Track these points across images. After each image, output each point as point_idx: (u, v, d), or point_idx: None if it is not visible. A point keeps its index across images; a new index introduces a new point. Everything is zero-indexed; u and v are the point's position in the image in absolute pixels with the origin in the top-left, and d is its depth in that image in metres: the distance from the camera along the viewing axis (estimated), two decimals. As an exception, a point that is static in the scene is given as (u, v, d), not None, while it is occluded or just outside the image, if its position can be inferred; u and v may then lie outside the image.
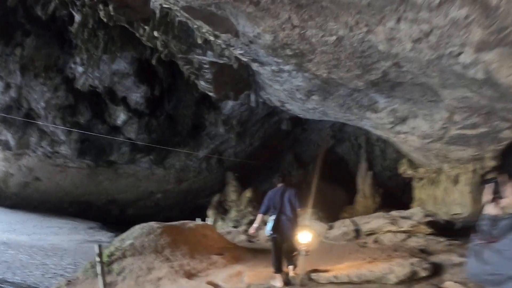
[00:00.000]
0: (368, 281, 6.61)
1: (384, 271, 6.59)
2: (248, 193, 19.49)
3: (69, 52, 17.49)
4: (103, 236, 19.72)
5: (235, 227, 16.53)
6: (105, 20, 10.27)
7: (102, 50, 15.84)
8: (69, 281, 8.19)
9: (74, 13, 14.32)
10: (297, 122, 19.57)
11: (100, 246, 7.10)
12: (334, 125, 21.12)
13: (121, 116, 18.63)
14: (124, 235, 9.95)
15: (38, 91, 18.35)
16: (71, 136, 19.24)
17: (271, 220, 7.51)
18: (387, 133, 11.98)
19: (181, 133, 19.36)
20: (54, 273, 12.45)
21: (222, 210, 19.77)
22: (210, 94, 13.80)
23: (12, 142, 19.69)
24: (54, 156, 20.19)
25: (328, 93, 10.18)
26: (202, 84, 13.23)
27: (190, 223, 10.90)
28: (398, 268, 6.57)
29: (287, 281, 7.33)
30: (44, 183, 21.90)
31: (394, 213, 11.46)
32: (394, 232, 10.04)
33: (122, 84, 17.63)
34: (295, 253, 7.53)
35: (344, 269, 7.15)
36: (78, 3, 13.30)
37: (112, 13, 9.68)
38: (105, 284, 6.82)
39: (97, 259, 6.98)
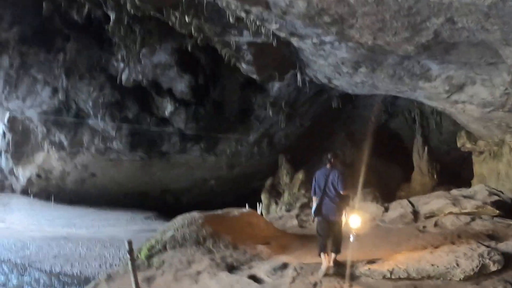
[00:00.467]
0: (430, 277, 5.59)
1: (449, 265, 5.55)
2: (300, 175, 18.63)
3: (110, 50, 17.49)
4: (160, 225, 18.92)
5: (288, 210, 15.73)
6: (132, 11, 10.12)
7: (140, 44, 15.77)
8: (109, 275, 7.80)
9: (108, 12, 14.34)
10: (347, 99, 18.27)
11: (130, 243, 6.42)
12: (386, 99, 19.72)
13: (168, 107, 18.36)
14: (166, 226, 9.45)
15: (84, 92, 18.53)
16: (121, 131, 19.31)
17: (315, 202, 7.00)
18: (443, 104, 11.03)
19: (229, 119, 18.91)
20: (111, 264, 12.82)
21: (275, 194, 19.12)
22: (254, 76, 13.29)
23: (65, 142, 20.11)
24: (107, 152, 20.42)
25: (376, 63, 9.39)
26: (244, 66, 12.76)
27: (234, 211, 9.97)
28: (465, 262, 5.54)
29: (331, 268, 6.68)
30: (100, 178, 22.32)
31: (455, 191, 10.25)
32: (456, 214, 8.82)
33: (166, 75, 17.32)
34: (340, 238, 6.87)
35: (401, 261, 6.13)
36: (110, 1, 13.30)
37: (137, 3, 9.35)
38: (136, 282, 6.31)
39: (128, 256, 6.44)
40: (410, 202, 10.34)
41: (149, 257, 7.99)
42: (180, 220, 8.84)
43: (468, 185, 13.66)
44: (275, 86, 17.71)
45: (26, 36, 16.95)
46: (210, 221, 8.76)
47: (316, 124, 20.39)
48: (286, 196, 18.04)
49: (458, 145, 14.40)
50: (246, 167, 21.66)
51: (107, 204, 22.84)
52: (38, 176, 22.80)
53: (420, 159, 18.67)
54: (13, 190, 25.76)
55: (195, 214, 8.86)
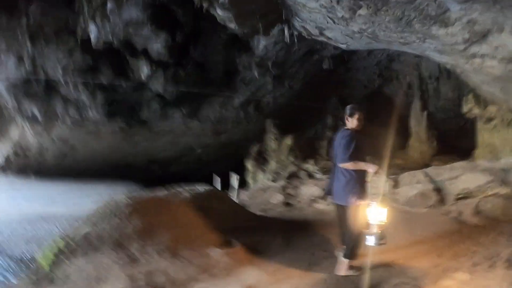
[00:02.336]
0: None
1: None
2: (288, 141, 16.70)
3: (78, 11, 14.93)
4: None
5: (274, 181, 13.30)
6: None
7: (102, -3, 13.50)
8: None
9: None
10: (340, 60, 16.54)
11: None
12: (381, 62, 17.88)
13: (144, 70, 15.93)
14: (83, 218, 6.67)
15: (52, 58, 16.03)
16: (96, 99, 16.98)
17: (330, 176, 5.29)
18: (457, 59, 8.94)
19: (212, 81, 16.66)
20: None
21: (262, 161, 17.09)
22: (232, 26, 11.11)
23: (38, 115, 17.76)
24: (85, 123, 18.09)
25: (380, 1, 7.39)
26: (219, 13, 10.57)
27: (184, 192, 7.10)
28: None
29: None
30: (81, 151, 20.10)
31: (485, 163, 7.45)
32: (505, 196, 5.95)
33: (139, 34, 14.81)
34: (353, 236, 4.79)
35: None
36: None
37: None
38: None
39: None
40: (426, 174, 7.56)
41: (54, 266, 5.31)
42: (101, 209, 6.07)
43: (470, 155, 12.38)
44: (261, 44, 15.36)
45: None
46: (142, 210, 5.97)
47: (307, 87, 18.28)
48: (272, 164, 15.95)
49: (465, 109, 12.47)
50: (233, 134, 19.67)
51: (91, 177, 20.74)
52: (16, 153, 20.58)
53: (418, 125, 16.61)
54: (-11, 170, 23.95)
55: (121, 200, 6.10)
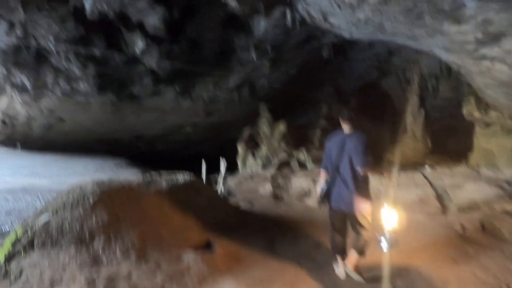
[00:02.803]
0: None
1: None
2: (281, 126, 16.37)
3: None
4: (130, 173, 17.55)
5: (263, 167, 12.65)
6: None
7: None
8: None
9: None
10: (339, 49, 15.91)
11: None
12: (380, 55, 17.28)
13: (139, 44, 15.18)
14: (46, 204, 5.92)
15: (44, 26, 15.07)
16: (88, 71, 16.22)
17: (322, 178, 4.92)
18: (464, 59, 8.48)
19: (207, 59, 15.98)
20: None
21: (253, 145, 16.66)
22: (233, 4, 10.87)
23: (28, 84, 16.99)
24: (74, 94, 17.41)
25: None
26: None
27: (160, 182, 6.36)
28: None
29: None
30: (68, 123, 19.44)
31: (486, 172, 6.83)
32: None
33: (135, 6, 14.00)
34: (360, 239, 4.71)
35: None
36: None
37: None
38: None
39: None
40: (424, 176, 6.97)
41: (10, 258, 4.60)
42: (65, 195, 5.35)
43: (461, 158, 12.51)
44: (261, 26, 14.65)
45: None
46: (109, 201, 5.15)
47: (303, 73, 17.67)
48: (263, 149, 15.23)
49: (464, 111, 12.19)
50: (224, 115, 19.10)
51: (77, 151, 20.43)
52: (3, 122, 19.85)
53: (414, 122, 16.08)
54: (-24, 138, 23.29)
55: (87, 186, 5.35)
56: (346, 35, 10.84)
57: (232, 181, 11.98)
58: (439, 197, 6.38)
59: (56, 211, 5.00)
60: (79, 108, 17.93)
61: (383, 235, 4.29)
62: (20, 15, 14.73)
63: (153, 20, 14.56)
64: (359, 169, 4.50)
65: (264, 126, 16.64)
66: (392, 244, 4.26)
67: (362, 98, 17.07)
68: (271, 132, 16.28)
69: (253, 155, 16.03)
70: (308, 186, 9.27)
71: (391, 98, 19.57)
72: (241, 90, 17.62)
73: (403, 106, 16.89)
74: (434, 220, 5.65)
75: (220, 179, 12.34)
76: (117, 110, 17.98)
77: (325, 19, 9.92)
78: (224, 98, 17.71)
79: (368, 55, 17.30)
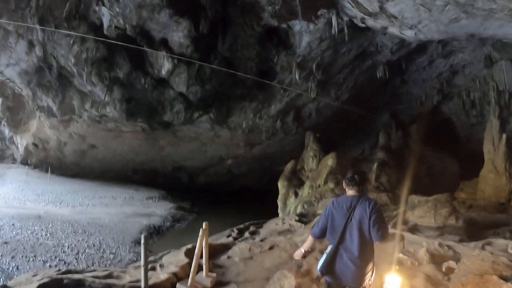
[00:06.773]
0: None
1: None
2: (329, 160, 12.46)
3: None
4: (160, 208, 15.40)
5: (302, 216, 8.87)
6: None
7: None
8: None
9: None
10: (396, 69, 12.73)
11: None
12: (442, 75, 13.83)
13: (164, 65, 12.54)
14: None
15: (63, 45, 13.18)
16: (113, 95, 13.81)
17: (326, 252, 3.68)
18: None
19: (243, 82, 12.91)
20: (64, 261, 9.02)
21: (297, 182, 12.87)
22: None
23: (53, 107, 15.21)
24: (103, 120, 15.21)
25: None
26: None
27: None
28: None
29: None
30: (101, 150, 17.34)
31: None
32: None
33: (155, 20, 11.48)
34: None
35: None
36: None
37: None
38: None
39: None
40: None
41: None
42: None
43: None
44: (303, 40, 11.66)
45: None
46: None
47: (355, 98, 14.25)
48: (306, 189, 12.06)
49: None
50: (268, 146, 15.87)
51: (113, 179, 18.35)
52: (35, 145, 18.52)
53: (494, 151, 11.94)
54: (14, 160, 22.05)
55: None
56: (410, 34, 7.92)
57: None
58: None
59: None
60: (111, 135, 15.79)
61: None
62: (38, 33, 13.06)
63: (178, 36, 11.95)
64: (380, 241, 3.46)
65: (309, 160, 13.06)
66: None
67: (422, 124, 14.19)
68: (317, 167, 12.61)
69: (296, 194, 12.37)
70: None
71: (454, 124, 15.95)
72: (285, 118, 14.42)
73: (468, 132, 13.91)
74: None
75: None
76: (151, 138, 15.61)
77: (382, 8, 6.95)
78: (265, 126, 14.61)
79: (428, 75, 13.91)
